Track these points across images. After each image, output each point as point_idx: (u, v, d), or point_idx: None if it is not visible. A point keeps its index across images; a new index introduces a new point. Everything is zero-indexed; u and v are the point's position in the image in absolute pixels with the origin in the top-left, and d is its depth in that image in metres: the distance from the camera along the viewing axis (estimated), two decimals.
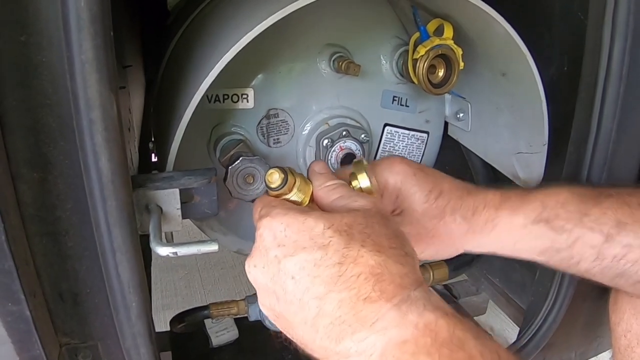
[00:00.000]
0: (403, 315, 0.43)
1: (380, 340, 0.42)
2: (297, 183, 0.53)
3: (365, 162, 0.59)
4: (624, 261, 0.59)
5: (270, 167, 0.54)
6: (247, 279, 0.52)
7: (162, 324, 0.95)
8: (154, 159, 1.11)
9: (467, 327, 0.42)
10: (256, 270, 0.50)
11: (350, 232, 0.46)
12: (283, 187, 0.52)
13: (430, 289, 0.46)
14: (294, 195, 0.53)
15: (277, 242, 0.48)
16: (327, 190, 0.54)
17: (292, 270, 0.46)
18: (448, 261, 0.89)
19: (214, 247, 0.53)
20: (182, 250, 0.52)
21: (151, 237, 0.53)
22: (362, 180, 0.57)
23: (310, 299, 0.45)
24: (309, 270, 0.45)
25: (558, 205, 0.60)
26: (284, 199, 0.53)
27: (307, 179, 0.56)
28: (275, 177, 0.53)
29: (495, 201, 0.62)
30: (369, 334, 0.43)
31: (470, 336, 0.42)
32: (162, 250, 0.52)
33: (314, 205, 0.55)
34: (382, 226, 0.48)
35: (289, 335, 0.50)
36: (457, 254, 0.65)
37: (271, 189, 0.53)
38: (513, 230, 0.61)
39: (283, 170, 0.53)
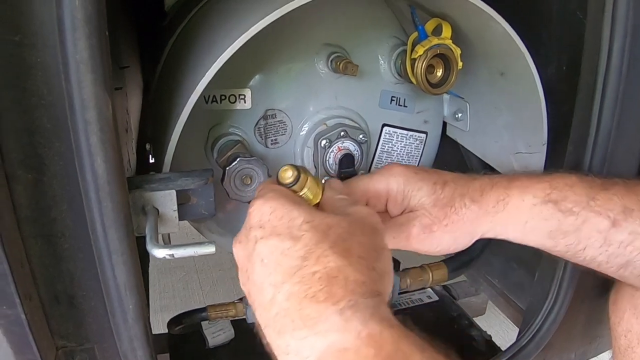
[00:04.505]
0: (346, 321, 0.42)
1: (320, 343, 0.42)
2: (309, 183, 0.54)
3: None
4: (630, 248, 0.59)
5: (284, 165, 0.54)
6: None
7: (160, 326, 0.95)
8: (151, 160, 1.11)
9: (413, 341, 0.42)
10: (239, 247, 0.51)
11: (327, 233, 0.47)
12: (295, 184, 0.53)
13: (383, 302, 0.45)
14: (303, 195, 0.54)
15: (260, 223, 0.49)
16: (335, 200, 0.55)
17: (263, 253, 0.47)
18: (447, 262, 0.89)
19: (211, 249, 0.53)
20: (179, 253, 0.52)
21: (147, 239, 0.53)
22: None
23: (268, 284, 0.46)
24: (276, 257, 0.46)
25: (566, 188, 0.60)
26: None
27: (319, 182, 0.56)
28: (288, 174, 0.53)
29: (503, 182, 0.62)
30: (308, 334, 0.43)
31: (416, 350, 0.41)
32: (159, 252, 0.52)
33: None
34: (364, 236, 0.49)
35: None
36: (473, 240, 0.64)
37: (283, 185, 0.53)
38: (523, 209, 0.61)
39: (297, 168, 0.53)
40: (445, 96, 0.90)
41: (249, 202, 0.69)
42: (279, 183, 0.54)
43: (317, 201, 0.55)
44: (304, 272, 0.45)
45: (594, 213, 0.59)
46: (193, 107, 0.61)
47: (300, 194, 0.53)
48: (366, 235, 0.49)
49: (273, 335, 0.45)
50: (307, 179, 0.53)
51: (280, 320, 0.45)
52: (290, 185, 0.53)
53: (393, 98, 0.87)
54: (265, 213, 0.49)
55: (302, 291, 0.44)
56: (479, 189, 0.62)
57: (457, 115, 0.89)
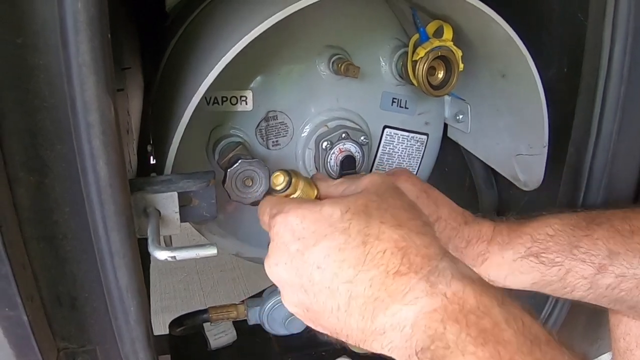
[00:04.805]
0: (432, 285, 0.43)
1: (412, 311, 0.43)
2: (301, 184, 0.54)
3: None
4: (617, 290, 0.59)
5: (275, 171, 0.55)
6: (246, 281, 0.52)
7: (161, 327, 0.95)
8: (152, 161, 1.11)
9: (493, 295, 0.43)
10: (278, 268, 0.49)
11: (368, 211, 0.47)
12: (288, 188, 0.53)
13: (456, 258, 0.46)
14: (298, 195, 0.54)
15: (296, 235, 0.48)
16: (335, 186, 0.55)
17: (317, 259, 0.46)
18: None
19: (213, 251, 0.53)
20: (181, 255, 0.52)
21: (149, 241, 0.53)
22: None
23: (339, 284, 0.45)
24: (335, 256, 0.46)
25: (548, 238, 0.60)
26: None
27: (311, 182, 0.56)
28: (280, 179, 0.54)
29: (487, 234, 0.62)
30: (401, 306, 0.43)
31: (495, 303, 0.42)
32: (161, 255, 0.52)
33: None
34: (396, 199, 0.49)
35: (319, 328, 0.50)
36: None
37: (277, 191, 0.54)
38: (503, 265, 0.62)
39: (287, 172, 0.54)
40: (447, 98, 0.90)
41: (250, 204, 0.70)
42: (273, 190, 0.54)
43: (313, 198, 0.55)
44: (372, 255, 0.45)
45: (578, 261, 0.59)
46: (194, 109, 0.61)
47: (294, 195, 0.54)
48: (397, 198, 0.49)
49: (366, 325, 0.45)
50: (299, 180, 0.54)
51: (369, 307, 0.44)
52: (285, 189, 0.53)
53: (394, 100, 0.87)
54: (295, 225, 0.48)
55: (382, 272, 0.44)
56: (466, 238, 0.62)
57: (458, 117, 0.89)
